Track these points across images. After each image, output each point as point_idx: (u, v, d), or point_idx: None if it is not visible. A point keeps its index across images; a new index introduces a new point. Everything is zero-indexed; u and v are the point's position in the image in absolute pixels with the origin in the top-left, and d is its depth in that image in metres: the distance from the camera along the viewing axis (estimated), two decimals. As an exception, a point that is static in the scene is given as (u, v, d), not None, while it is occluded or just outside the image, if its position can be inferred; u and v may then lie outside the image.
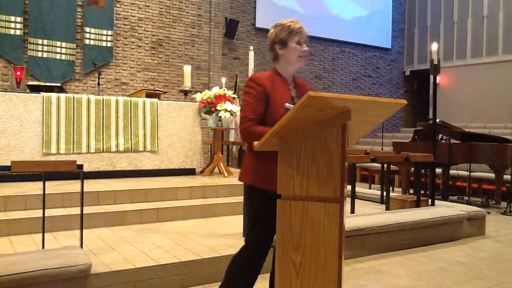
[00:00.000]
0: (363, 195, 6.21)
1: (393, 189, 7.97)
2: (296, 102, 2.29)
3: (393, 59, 13.84)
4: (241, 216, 4.16)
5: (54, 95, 5.24)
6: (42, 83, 5.78)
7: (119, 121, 5.59)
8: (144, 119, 5.77)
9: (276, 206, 2.08)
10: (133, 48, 9.42)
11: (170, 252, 3.38)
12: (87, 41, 8.83)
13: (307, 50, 2.37)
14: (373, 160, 4.96)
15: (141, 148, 5.74)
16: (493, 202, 7.24)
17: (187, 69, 6.56)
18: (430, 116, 10.03)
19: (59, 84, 6.08)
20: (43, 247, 3.23)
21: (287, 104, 2.25)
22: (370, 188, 8.48)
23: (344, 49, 12.76)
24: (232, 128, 7.73)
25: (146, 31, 9.57)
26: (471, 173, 7.41)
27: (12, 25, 8.08)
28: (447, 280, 3.58)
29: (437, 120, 6.10)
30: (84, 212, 3.29)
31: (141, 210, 4.46)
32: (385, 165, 5.67)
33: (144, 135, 5.76)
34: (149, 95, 6.09)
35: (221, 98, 5.97)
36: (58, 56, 8.54)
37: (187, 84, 6.52)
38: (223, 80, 8.57)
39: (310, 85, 2.53)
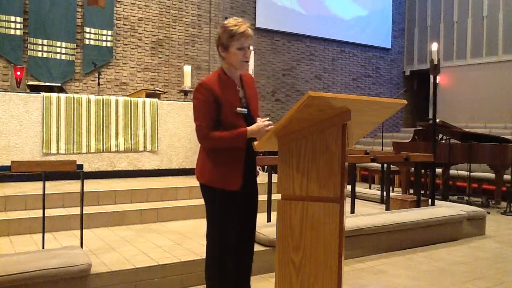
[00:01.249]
0: (363, 195, 6.21)
1: (393, 189, 7.96)
2: (244, 102, 2.36)
3: (393, 59, 13.84)
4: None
5: (54, 95, 5.24)
6: (42, 83, 5.79)
7: (119, 121, 5.59)
8: (144, 119, 5.77)
9: (231, 205, 2.24)
10: (133, 48, 9.42)
11: (170, 252, 3.38)
12: (87, 41, 8.83)
13: (249, 55, 2.28)
14: (373, 160, 4.96)
15: (141, 148, 5.74)
16: (493, 202, 7.24)
17: (187, 69, 6.56)
18: (430, 116, 10.03)
19: (59, 84, 6.08)
20: (43, 247, 3.23)
21: (238, 109, 2.27)
22: (370, 188, 8.48)
23: (344, 49, 12.76)
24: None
25: (146, 31, 9.57)
26: (471, 173, 7.41)
27: (12, 25, 8.08)
28: (447, 280, 3.58)
29: (437, 120, 6.10)
30: (84, 212, 3.29)
31: (141, 210, 4.45)
32: (385, 165, 5.66)
33: (144, 135, 5.76)
34: (149, 95, 6.09)
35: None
36: (58, 56, 8.54)
37: (187, 84, 6.52)
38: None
39: (253, 79, 2.51)
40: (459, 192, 8.17)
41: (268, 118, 2.29)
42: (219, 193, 2.31)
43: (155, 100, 5.91)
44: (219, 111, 2.28)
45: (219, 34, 2.29)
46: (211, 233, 2.40)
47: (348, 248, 3.93)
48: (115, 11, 9.16)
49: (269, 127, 2.22)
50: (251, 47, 2.30)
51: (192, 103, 2.36)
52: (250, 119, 2.32)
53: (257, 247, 2.82)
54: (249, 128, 2.23)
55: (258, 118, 2.33)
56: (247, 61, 2.29)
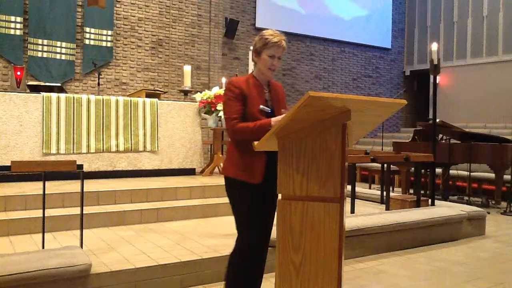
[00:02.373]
0: (363, 195, 6.21)
1: (393, 189, 7.96)
2: (270, 105, 2.50)
3: (393, 59, 13.84)
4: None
5: (54, 95, 5.24)
6: (42, 83, 5.79)
7: (119, 121, 5.59)
8: (144, 119, 5.77)
9: (258, 199, 2.28)
10: (133, 48, 9.42)
11: (170, 252, 3.38)
12: (87, 41, 8.83)
13: (276, 64, 2.45)
14: (373, 160, 4.96)
15: (141, 148, 5.74)
16: (493, 202, 7.24)
17: (187, 69, 6.56)
18: (430, 116, 10.03)
19: (59, 84, 6.08)
20: (43, 247, 3.23)
21: (261, 106, 2.42)
22: (370, 188, 8.48)
23: (344, 49, 12.75)
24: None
25: (146, 31, 9.57)
26: (471, 173, 7.40)
27: (12, 25, 8.08)
28: (447, 280, 3.58)
29: (437, 120, 6.10)
30: (84, 212, 3.29)
31: (141, 210, 4.46)
32: (385, 165, 5.67)
33: (144, 135, 5.76)
34: (149, 95, 6.09)
35: (221, 98, 5.97)
36: (58, 56, 8.54)
37: (187, 84, 6.52)
38: (223, 80, 8.56)
39: (282, 89, 2.69)
40: (459, 192, 8.17)
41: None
42: (242, 185, 2.40)
43: (155, 100, 5.91)
44: (245, 106, 2.43)
45: (255, 40, 2.50)
46: (238, 228, 2.47)
47: (348, 248, 3.93)
48: (115, 11, 9.16)
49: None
50: (281, 58, 2.48)
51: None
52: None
53: (257, 247, 2.81)
54: (273, 119, 2.31)
55: (283, 110, 2.44)
56: (273, 70, 2.47)
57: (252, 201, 2.41)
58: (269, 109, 2.45)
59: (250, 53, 5.96)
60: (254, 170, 2.38)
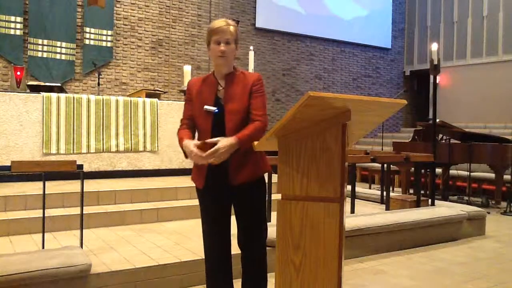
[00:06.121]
0: (363, 195, 6.21)
1: (393, 189, 7.96)
2: (223, 102, 2.30)
3: (393, 59, 13.84)
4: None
5: (54, 95, 5.24)
6: (42, 83, 5.79)
7: (119, 121, 5.59)
8: (144, 119, 5.77)
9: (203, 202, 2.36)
10: (133, 48, 9.42)
11: (170, 252, 3.38)
12: (87, 41, 8.83)
13: (223, 49, 2.27)
14: (373, 160, 4.96)
15: (141, 148, 5.74)
16: (493, 202, 7.24)
17: (187, 69, 6.55)
18: (430, 116, 10.03)
19: (59, 84, 6.08)
20: (43, 247, 3.23)
21: (205, 106, 2.29)
22: (370, 188, 8.48)
23: (344, 49, 12.75)
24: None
25: (146, 31, 9.57)
26: (471, 173, 7.41)
27: (12, 25, 8.08)
28: (447, 280, 3.58)
29: (437, 120, 6.10)
30: (84, 212, 3.29)
31: (141, 210, 4.46)
32: (385, 165, 5.67)
33: (144, 135, 5.76)
34: (149, 95, 6.09)
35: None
36: (58, 56, 8.54)
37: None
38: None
39: (251, 78, 2.37)
40: (459, 192, 8.17)
41: (217, 141, 2.14)
42: (196, 190, 2.47)
43: (155, 100, 5.91)
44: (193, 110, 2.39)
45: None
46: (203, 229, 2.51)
47: (348, 248, 3.93)
48: (115, 11, 9.16)
49: (196, 155, 2.15)
50: (230, 43, 2.30)
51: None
52: (222, 120, 2.29)
53: (257, 247, 2.81)
54: (186, 141, 2.24)
55: (218, 138, 2.18)
56: (223, 56, 2.29)
57: (202, 206, 2.46)
58: (215, 109, 2.28)
59: (251, 53, 5.96)
60: (199, 174, 2.40)
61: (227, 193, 2.38)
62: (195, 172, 2.45)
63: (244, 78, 2.36)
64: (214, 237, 2.43)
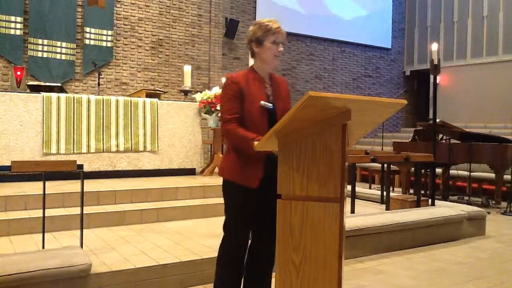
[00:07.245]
0: (363, 195, 6.21)
1: (393, 189, 7.96)
2: (272, 100, 2.36)
3: (393, 59, 13.84)
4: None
5: (54, 95, 5.24)
6: (42, 83, 5.78)
7: (119, 121, 5.59)
8: (144, 119, 5.77)
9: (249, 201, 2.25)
10: (133, 48, 9.41)
11: (170, 252, 3.38)
12: (87, 41, 8.82)
13: (282, 50, 2.35)
14: (373, 160, 4.96)
15: (141, 148, 5.74)
16: (493, 202, 7.24)
17: (187, 69, 6.56)
18: (430, 116, 10.03)
19: (59, 84, 6.07)
20: (43, 247, 3.23)
21: (262, 102, 2.29)
22: (370, 188, 8.48)
23: (344, 49, 12.76)
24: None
25: (146, 31, 9.57)
26: (471, 173, 7.40)
27: (12, 25, 8.08)
28: (447, 280, 3.58)
29: (437, 120, 6.10)
30: (84, 212, 3.29)
31: (141, 210, 4.45)
32: (385, 165, 5.66)
33: (144, 135, 5.76)
34: (149, 95, 6.09)
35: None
36: (58, 56, 8.53)
37: (187, 84, 6.52)
38: (223, 80, 8.55)
39: (286, 82, 2.55)
40: (459, 192, 8.17)
41: None
42: (238, 188, 2.34)
43: (155, 100, 5.91)
44: (243, 105, 2.31)
45: (253, 30, 2.37)
46: (226, 228, 2.46)
47: (348, 248, 3.93)
48: (115, 11, 9.16)
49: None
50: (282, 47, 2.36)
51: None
52: (274, 117, 2.29)
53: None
54: (257, 143, 2.12)
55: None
56: (279, 56, 2.35)
57: (243, 202, 2.36)
58: (271, 105, 2.32)
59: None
60: (250, 173, 2.29)
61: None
62: (244, 170, 2.31)
63: (281, 81, 2.47)
64: (242, 235, 2.43)
